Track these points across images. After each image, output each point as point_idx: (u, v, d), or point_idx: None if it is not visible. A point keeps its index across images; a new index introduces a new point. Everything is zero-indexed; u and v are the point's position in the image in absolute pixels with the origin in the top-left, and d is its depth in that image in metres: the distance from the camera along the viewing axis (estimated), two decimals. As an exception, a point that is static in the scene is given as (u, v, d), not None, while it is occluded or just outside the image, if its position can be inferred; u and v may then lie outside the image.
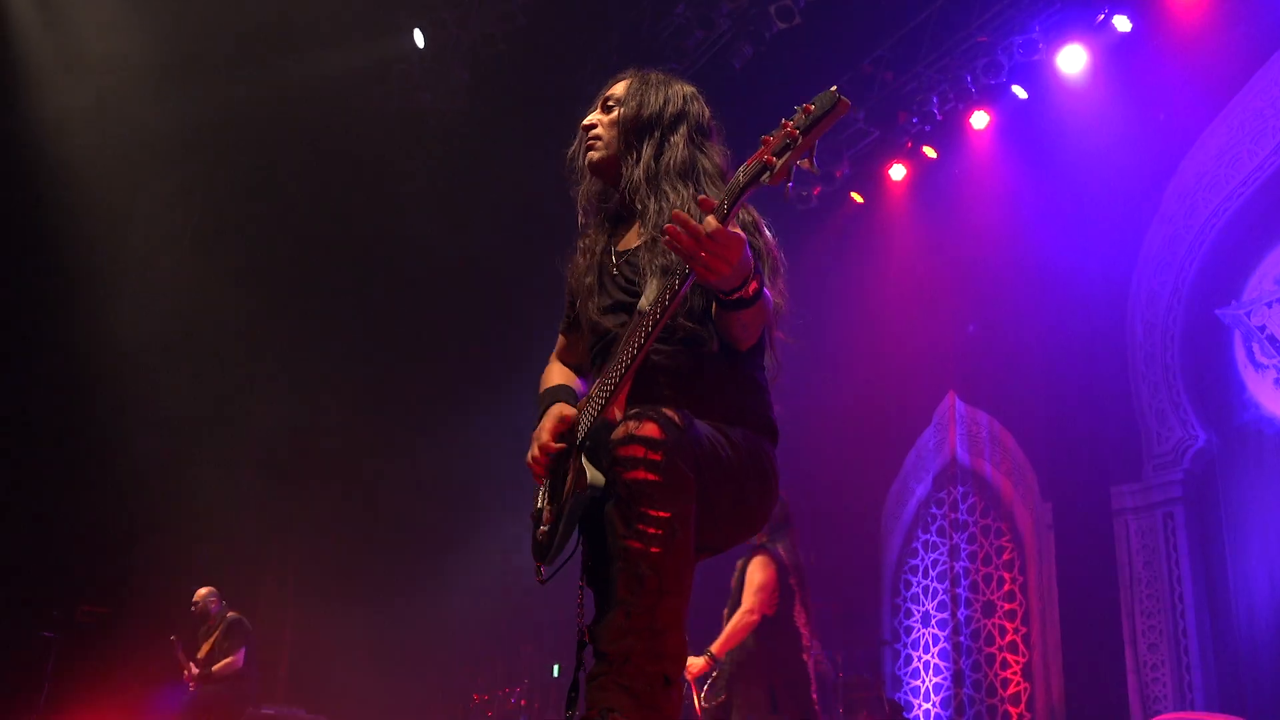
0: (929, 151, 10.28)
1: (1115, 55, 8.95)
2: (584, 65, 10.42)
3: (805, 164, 2.12)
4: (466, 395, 11.50)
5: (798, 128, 2.10)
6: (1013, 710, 8.84)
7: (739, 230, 2.24)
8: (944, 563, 9.84)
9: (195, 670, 8.72)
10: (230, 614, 9.04)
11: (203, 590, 9.13)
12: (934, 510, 10.14)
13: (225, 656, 8.76)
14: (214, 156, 10.34)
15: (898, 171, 10.71)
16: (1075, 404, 8.86)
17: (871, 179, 10.98)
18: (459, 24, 9.57)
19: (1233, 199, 8.08)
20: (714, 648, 5.44)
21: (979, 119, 9.82)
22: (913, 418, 10.56)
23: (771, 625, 5.47)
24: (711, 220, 2.16)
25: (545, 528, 2.54)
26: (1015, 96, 9.50)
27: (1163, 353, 8.37)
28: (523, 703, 10.52)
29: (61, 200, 9.33)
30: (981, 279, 9.95)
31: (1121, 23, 8.70)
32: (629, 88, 2.76)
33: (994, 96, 9.60)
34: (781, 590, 5.52)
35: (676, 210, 2.29)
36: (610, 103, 2.76)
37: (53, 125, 9.19)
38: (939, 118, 9.76)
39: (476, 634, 9.44)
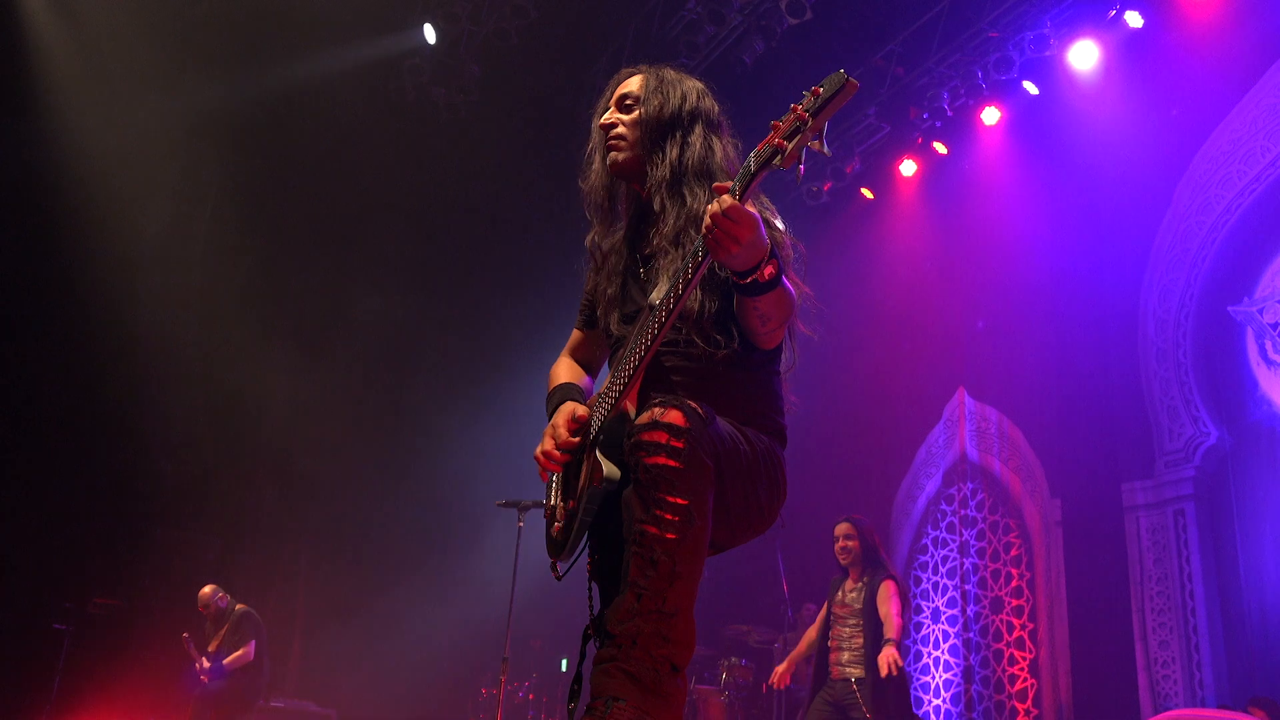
0: (940, 147, 10.27)
1: (1127, 51, 8.92)
2: (596, 60, 10.42)
3: (816, 145, 2.15)
4: (478, 391, 11.51)
5: (807, 110, 2.13)
6: (1020, 706, 8.84)
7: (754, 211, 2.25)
8: (954, 559, 9.84)
9: (207, 664, 8.73)
10: (239, 607, 9.07)
11: (206, 590, 9.09)
12: (944, 507, 10.13)
13: (235, 649, 8.78)
14: (226, 150, 10.37)
15: (908, 167, 10.70)
16: (1086, 401, 8.84)
17: (882, 175, 10.96)
18: (471, 18, 9.57)
19: (1245, 195, 8.05)
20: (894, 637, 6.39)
21: (990, 115, 9.80)
22: (923, 414, 10.55)
23: None
24: (726, 198, 2.19)
25: (560, 524, 2.55)
26: (1026, 92, 9.48)
27: (1174, 349, 8.34)
28: (530, 697, 10.53)
29: (74, 193, 9.36)
30: (992, 275, 9.93)
31: (1133, 18, 8.67)
32: (647, 86, 2.75)
33: (1005, 92, 9.58)
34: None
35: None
36: (629, 101, 2.75)
37: (65, 119, 9.22)
38: (950, 114, 9.74)
39: (484, 628, 9.44)
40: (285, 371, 10.89)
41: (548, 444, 2.56)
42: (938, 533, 10.11)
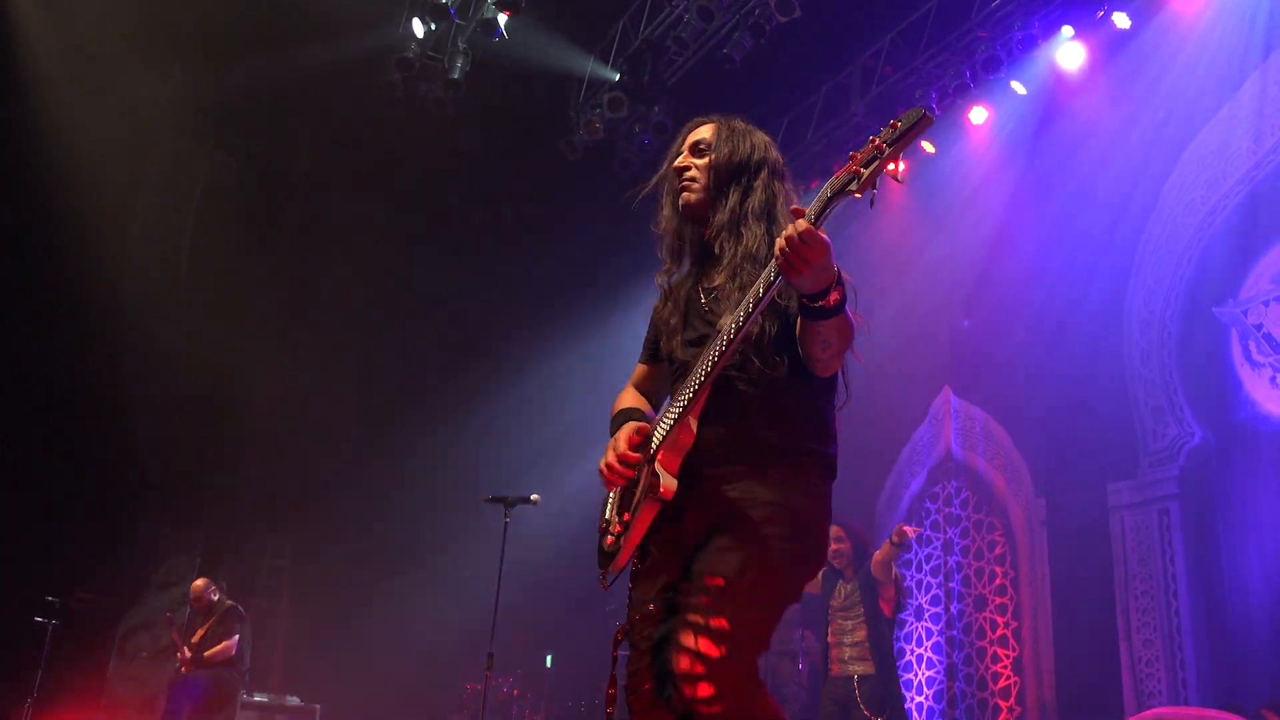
0: (927, 146, 10.27)
1: (1114, 52, 8.94)
2: (585, 56, 10.40)
3: (891, 172, 2.31)
4: (466, 386, 11.50)
5: (885, 141, 2.29)
6: (1003, 704, 8.87)
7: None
8: (937, 557, 9.87)
9: (189, 654, 8.74)
10: (228, 602, 9.10)
11: (199, 583, 9.15)
12: (928, 505, 10.16)
13: (219, 642, 8.79)
14: (214, 144, 10.32)
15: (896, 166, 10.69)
16: (1071, 401, 8.86)
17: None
18: (458, 13, 9.54)
19: (1231, 197, 8.09)
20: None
21: (978, 114, 9.81)
22: (908, 412, 10.57)
23: None
24: (801, 222, 2.34)
25: (613, 537, 2.70)
26: (1014, 92, 9.49)
27: (1159, 350, 8.37)
28: (515, 692, 10.53)
29: (60, 187, 9.31)
30: (978, 274, 9.95)
31: (1121, 19, 8.68)
32: (719, 134, 2.91)
33: (993, 92, 9.59)
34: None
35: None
36: (701, 147, 2.91)
37: (51, 112, 9.17)
38: (938, 113, 9.73)
39: (469, 623, 9.45)
40: (271, 367, 10.87)
41: (610, 457, 2.71)
42: (922, 530, 10.13)
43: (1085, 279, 8.97)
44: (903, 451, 10.61)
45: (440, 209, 11.41)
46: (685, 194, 2.89)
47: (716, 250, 2.81)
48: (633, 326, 11.60)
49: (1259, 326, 7.64)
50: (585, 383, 11.73)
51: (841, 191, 2.35)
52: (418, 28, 9.86)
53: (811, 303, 2.45)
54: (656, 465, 2.56)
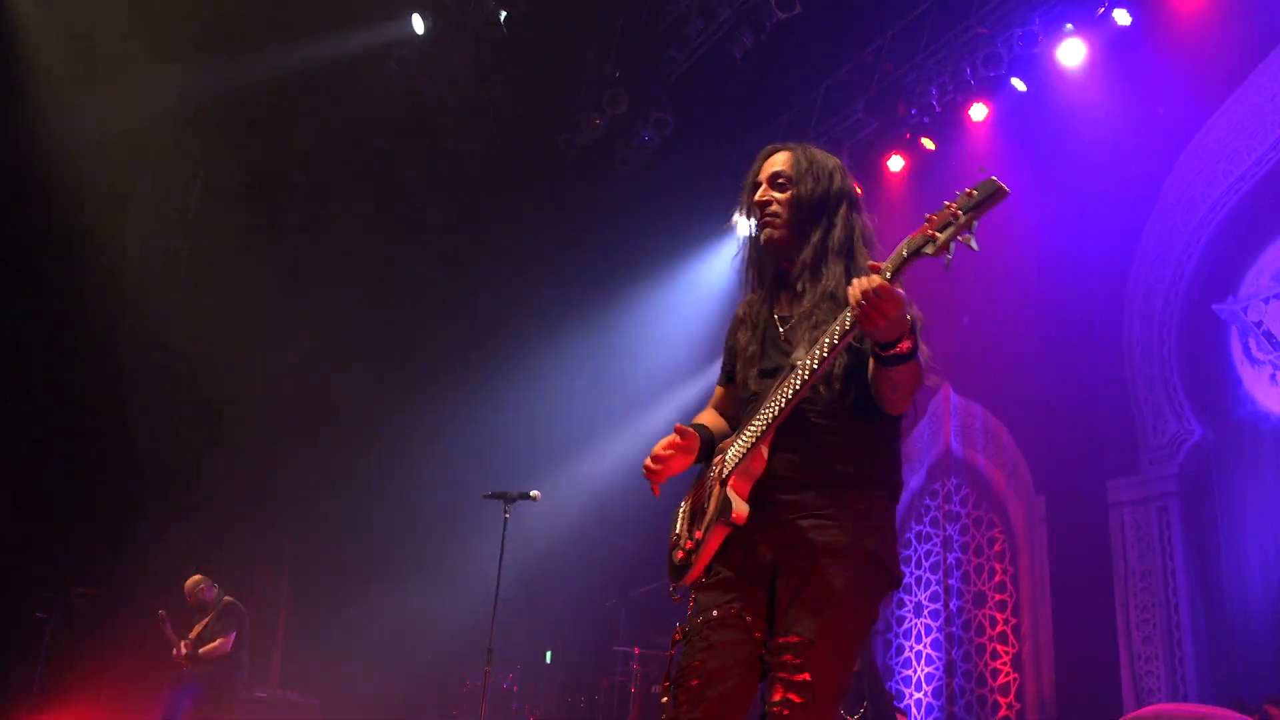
0: (927, 143, 10.26)
1: (1115, 49, 8.93)
2: (585, 52, 10.40)
3: (965, 239, 2.42)
4: (467, 383, 11.49)
5: (960, 208, 2.42)
6: (1002, 700, 8.88)
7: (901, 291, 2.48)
8: (937, 553, 9.87)
9: (185, 649, 8.73)
10: (226, 599, 9.08)
11: (192, 580, 9.11)
12: (928, 501, 10.16)
13: (215, 639, 8.78)
14: (213, 140, 10.32)
15: (896, 163, 10.69)
16: (1070, 398, 8.86)
17: (869, 170, 10.96)
18: (459, 9, 9.54)
19: (1230, 194, 8.09)
20: None
21: (978, 111, 9.80)
22: (907, 409, 10.55)
23: None
24: (877, 278, 2.44)
25: (683, 552, 2.78)
26: (1014, 89, 9.49)
27: (1159, 347, 8.37)
28: (515, 689, 10.53)
29: (59, 182, 9.30)
30: (978, 271, 9.92)
31: (1121, 16, 8.68)
32: (798, 166, 2.93)
33: (993, 88, 9.59)
34: None
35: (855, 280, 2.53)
36: (781, 180, 2.93)
37: (55, 103, 9.16)
38: (938, 109, 9.74)
39: (469, 619, 9.47)
40: (271, 363, 10.85)
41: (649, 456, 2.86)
42: (921, 527, 10.14)
43: (1085, 275, 8.97)
44: (902, 449, 10.60)
45: (440, 205, 11.40)
46: (769, 230, 2.92)
47: (798, 288, 2.87)
48: (633, 323, 11.65)
49: (1259, 324, 7.65)
50: (586, 379, 11.74)
51: (917, 253, 2.46)
52: (418, 23, 9.86)
53: (884, 350, 2.53)
54: (729, 490, 2.65)
